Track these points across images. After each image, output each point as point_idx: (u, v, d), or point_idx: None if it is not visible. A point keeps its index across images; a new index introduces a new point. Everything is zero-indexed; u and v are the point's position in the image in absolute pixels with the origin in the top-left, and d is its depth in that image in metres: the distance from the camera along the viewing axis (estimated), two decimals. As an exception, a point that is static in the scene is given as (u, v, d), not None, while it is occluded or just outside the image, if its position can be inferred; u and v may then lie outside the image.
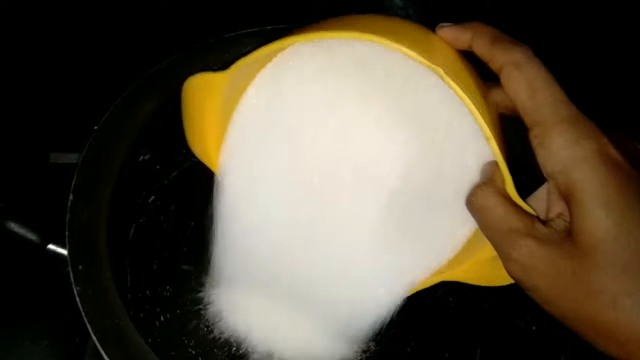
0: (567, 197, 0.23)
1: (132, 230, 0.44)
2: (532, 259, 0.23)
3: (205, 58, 0.43)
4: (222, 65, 0.43)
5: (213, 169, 0.32)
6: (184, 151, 0.48)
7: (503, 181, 0.25)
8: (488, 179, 0.26)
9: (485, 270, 0.28)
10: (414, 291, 0.32)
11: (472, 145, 0.27)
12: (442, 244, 0.30)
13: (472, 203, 0.25)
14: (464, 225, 0.29)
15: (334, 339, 0.37)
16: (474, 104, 0.23)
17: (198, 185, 0.48)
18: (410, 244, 0.30)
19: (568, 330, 0.33)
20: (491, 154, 0.25)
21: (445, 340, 0.44)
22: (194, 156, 0.48)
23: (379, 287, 0.32)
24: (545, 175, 0.24)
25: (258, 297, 0.37)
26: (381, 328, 0.33)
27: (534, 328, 0.34)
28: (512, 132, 0.26)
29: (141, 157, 0.42)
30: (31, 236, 0.32)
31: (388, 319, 0.32)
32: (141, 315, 0.41)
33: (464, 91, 0.23)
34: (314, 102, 0.28)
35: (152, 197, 0.46)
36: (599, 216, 0.22)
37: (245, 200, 0.31)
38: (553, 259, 0.23)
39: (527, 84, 0.23)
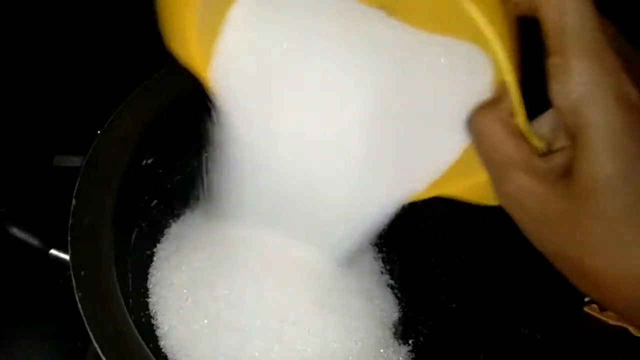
0: (574, 134, 0.21)
1: (134, 235, 0.43)
2: (522, 193, 0.22)
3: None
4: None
5: (196, 70, 0.30)
6: (186, 155, 0.48)
7: (510, 106, 0.23)
8: (493, 101, 0.24)
9: (481, 190, 0.27)
10: (412, 200, 0.32)
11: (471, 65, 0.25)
12: (434, 157, 0.29)
13: (470, 125, 0.24)
14: (457, 141, 0.28)
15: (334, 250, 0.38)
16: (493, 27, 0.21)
17: (200, 189, 0.49)
18: (403, 157, 0.30)
19: (570, 339, 0.33)
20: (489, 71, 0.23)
21: (448, 346, 0.44)
22: (196, 160, 0.48)
23: (377, 197, 0.32)
24: (554, 107, 0.22)
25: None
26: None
27: (538, 336, 0.34)
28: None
29: (144, 162, 0.42)
30: (33, 241, 0.32)
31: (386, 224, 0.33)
32: (143, 320, 0.41)
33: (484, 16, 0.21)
34: (296, 35, 0.28)
35: (155, 201, 0.46)
36: (602, 161, 0.21)
37: (252, 131, 0.31)
38: (544, 197, 0.22)
39: (558, 2, 0.21)
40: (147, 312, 0.42)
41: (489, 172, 0.24)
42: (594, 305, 0.36)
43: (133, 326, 0.31)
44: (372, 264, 0.47)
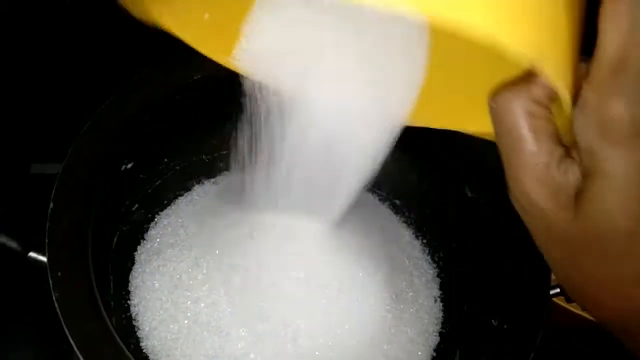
0: (587, 171, 0.20)
1: (115, 239, 0.44)
2: (529, 202, 0.21)
3: (183, 68, 0.44)
4: (202, 75, 0.45)
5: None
6: (166, 160, 0.49)
7: (542, 94, 0.20)
8: (523, 83, 0.20)
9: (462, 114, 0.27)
10: (403, 125, 0.33)
11: None
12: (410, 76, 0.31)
13: (493, 107, 0.21)
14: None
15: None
16: None
17: (180, 193, 0.49)
18: (383, 79, 0.32)
19: (536, 329, 0.34)
20: None
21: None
22: (177, 165, 0.49)
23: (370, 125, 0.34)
24: (575, 134, 0.20)
25: None
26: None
27: (505, 326, 0.35)
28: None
29: (123, 167, 0.43)
30: (12, 244, 0.33)
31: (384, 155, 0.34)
32: (124, 322, 0.42)
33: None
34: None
35: (136, 206, 0.46)
36: (612, 215, 0.19)
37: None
38: (551, 214, 0.20)
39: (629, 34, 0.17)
40: (128, 314, 0.42)
41: (503, 158, 0.22)
42: (562, 297, 0.37)
43: (110, 326, 0.31)
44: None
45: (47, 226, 0.33)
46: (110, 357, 0.30)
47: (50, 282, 0.31)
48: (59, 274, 0.31)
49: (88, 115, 0.40)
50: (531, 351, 0.32)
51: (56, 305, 0.30)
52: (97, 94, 0.42)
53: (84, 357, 0.29)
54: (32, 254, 0.33)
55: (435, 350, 0.44)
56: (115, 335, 0.31)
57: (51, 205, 0.34)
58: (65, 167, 0.36)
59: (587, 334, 0.64)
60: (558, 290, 0.37)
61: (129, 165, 0.44)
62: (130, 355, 0.31)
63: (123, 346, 0.31)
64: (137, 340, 0.41)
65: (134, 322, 0.42)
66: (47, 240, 0.33)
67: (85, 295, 0.32)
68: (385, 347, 0.42)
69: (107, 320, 0.31)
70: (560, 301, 0.49)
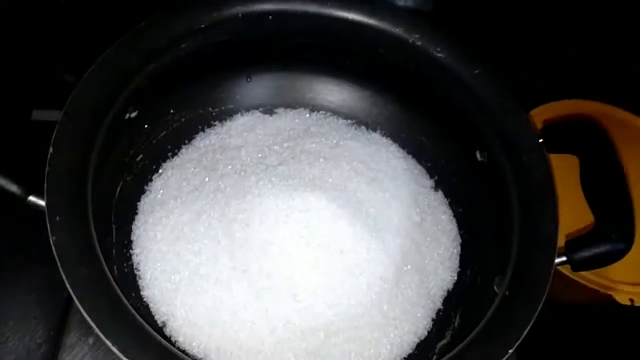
0: None
1: (118, 188, 0.44)
2: None
3: (190, 15, 0.42)
4: (209, 23, 0.43)
5: None
6: (172, 111, 0.48)
7: None
8: None
9: None
10: None
11: None
12: None
13: None
14: None
15: None
16: None
17: (185, 145, 0.49)
18: None
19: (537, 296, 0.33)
20: None
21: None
22: (183, 116, 0.49)
23: None
24: None
25: None
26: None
27: (506, 293, 0.34)
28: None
29: (127, 115, 0.42)
30: (12, 187, 0.33)
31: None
32: (126, 270, 0.42)
33: None
34: None
35: (140, 156, 0.46)
36: None
37: None
38: None
39: None
40: (130, 263, 0.42)
41: None
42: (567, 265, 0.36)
43: (107, 271, 0.31)
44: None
45: (46, 171, 0.33)
46: (105, 301, 0.30)
47: (48, 226, 0.31)
48: (57, 218, 0.31)
49: (91, 62, 0.39)
50: (529, 321, 0.32)
51: (53, 249, 0.30)
52: (100, 41, 0.41)
53: (79, 301, 0.29)
54: (31, 198, 0.33)
55: (435, 313, 0.44)
56: (112, 280, 0.31)
57: (51, 150, 0.34)
58: (66, 112, 0.35)
59: (590, 311, 0.64)
60: (564, 258, 0.36)
61: (133, 115, 0.43)
62: (125, 300, 0.31)
63: (118, 291, 0.31)
64: (138, 289, 0.41)
65: (135, 272, 0.42)
66: (46, 185, 0.32)
67: (82, 240, 0.31)
68: (385, 307, 0.42)
69: (104, 265, 0.31)
70: (565, 270, 0.48)
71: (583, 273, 0.56)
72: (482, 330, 0.33)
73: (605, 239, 0.36)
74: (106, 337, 0.28)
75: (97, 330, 0.28)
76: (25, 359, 0.44)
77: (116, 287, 0.31)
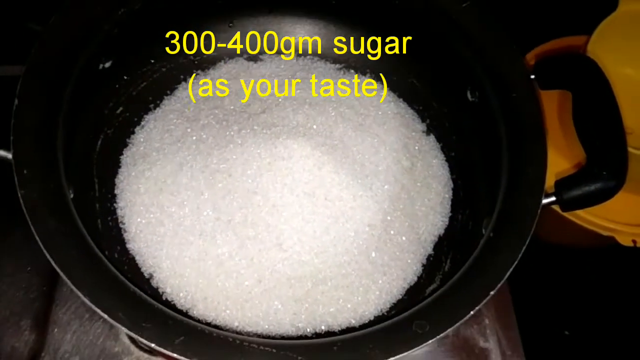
0: None
1: (99, 142, 0.43)
2: None
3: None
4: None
5: None
6: (152, 61, 0.46)
7: None
8: None
9: None
10: None
11: None
12: None
13: None
14: None
15: None
16: None
17: (167, 95, 0.47)
18: None
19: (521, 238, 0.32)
20: None
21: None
22: (163, 66, 0.47)
23: None
24: None
25: None
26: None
27: (491, 235, 0.33)
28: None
29: (101, 65, 0.41)
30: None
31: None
32: (110, 224, 0.42)
33: None
34: None
35: (121, 108, 0.45)
36: None
37: None
38: None
39: None
40: (114, 217, 0.42)
41: None
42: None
43: (78, 221, 0.31)
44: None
45: (11, 123, 0.32)
46: (76, 253, 0.29)
47: (16, 179, 0.30)
48: (25, 171, 0.31)
49: (56, 8, 0.38)
50: (512, 262, 0.31)
51: (22, 203, 0.30)
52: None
53: (50, 256, 0.29)
54: (0, 152, 0.32)
55: (426, 259, 0.43)
56: (84, 231, 0.31)
57: (16, 101, 0.32)
58: (31, 62, 0.34)
59: (592, 253, 0.63)
60: (553, 198, 0.35)
61: (107, 65, 0.41)
62: (98, 251, 0.31)
63: (90, 241, 0.30)
64: (123, 242, 0.41)
65: (120, 225, 0.42)
66: (12, 138, 0.31)
67: (52, 193, 0.31)
68: (373, 254, 0.41)
69: (76, 217, 0.31)
70: (567, 214, 0.47)
71: (585, 215, 0.55)
72: (464, 274, 0.32)
73: (597, 177, 0.34)
74: (78, 288, 0.28)
75: (68, 283, 0.28)
76: (19, 313, 0.44)
77: (88, 238, 0.30)
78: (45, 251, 0.29)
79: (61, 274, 0.28)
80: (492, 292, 0.30)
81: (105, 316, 0.27)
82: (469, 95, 0.43)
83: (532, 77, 0.39)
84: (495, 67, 0.40)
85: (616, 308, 0.62)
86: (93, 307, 0.28)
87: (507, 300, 0.47)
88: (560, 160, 0.52)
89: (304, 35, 0.51)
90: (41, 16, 0.36)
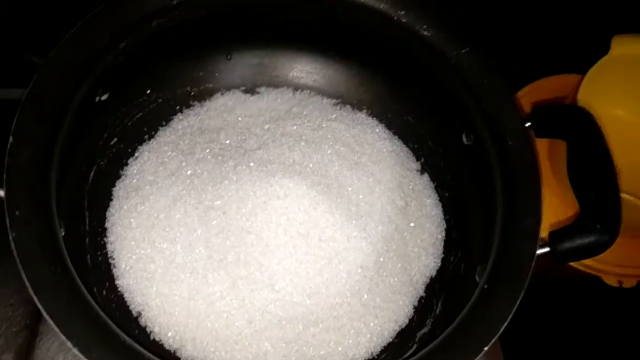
0: None
1: (92, 173, 0.42)
2: None
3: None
4: (182, 10, 0.41)
5: None
6: (148, 91, 0.46)
7: None
8: None
9: None
10: None
11: None
12: None
13: None
14: None
15: None
16: None
17: (162, 126, 0.47)
18: None
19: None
20: None
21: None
22: (159, 97, 0.47)
23: None
24: None
25: None
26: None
27: (485, 287, 0.33)
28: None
29: (97, 98, 0.41)
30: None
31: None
32: (100, 259, 0.41)
33: None
34: None
35: (115, 139, 0.44)
36: None
37: None
38: None
39: None
40: (104, 252, 0.41)
41: None
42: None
43: (70, 267, 0.30)
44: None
45: (5, 161, 0.31)
46: (66, 301, 0.29)
47: (8, 221, 0.30)
48: (17, 212, 0.30)
49: (58, 38, 0.37)
50: (507, 317, 0.31)
51: (12, 245, 0.29)
52: (68, 16, 0.39)
53: (39, 301, 0.28)
54: (-7, 189, 0.31)
55: (417, 301, 0.43)
56: (75, 276, 0.30)
57: (11, 139, 0.32)
58: (28, 97, 0.34)
59: (575, 283, 0.63)
60: (547, 249, 0.35)
61: (104, 97, 0.41)
62: (89, 297, 0.30)
63: (82, 288, 0.30)
64: (112, 278, 0.40)
65: (109, 260, 0.41)
66: (5, 177, 0.31)
67: (43, 236, 0.30)
68: (365, 296, 0.41)
69: (67, 260, 0.30)
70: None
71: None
72: (458, 327, 0.32)
73: (590, 230, 0.34)
74: (67, 337, 0.27)
75: (57, 331, 0.27)
76: (2, 347, 0.43)
77: (80, 284, 0.30)
78: (35, 299, 0.28)
79: (51, 323, 0.27)
80: (485, 348, 0.30)
81: (95, 367, 0.27)
82: (464, 139, 0.43)
83: (528, 124, 0.39)
84: (492, 113, 0.40)
85: (603, 344, 0.62)
86: (81, 356, 0.27)
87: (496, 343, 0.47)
88: (556, 208, 0.53)
89: (300, 69, 0.51)
90: (41, 48, 0.36)
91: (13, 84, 0.40)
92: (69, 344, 0.27)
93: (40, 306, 0.28)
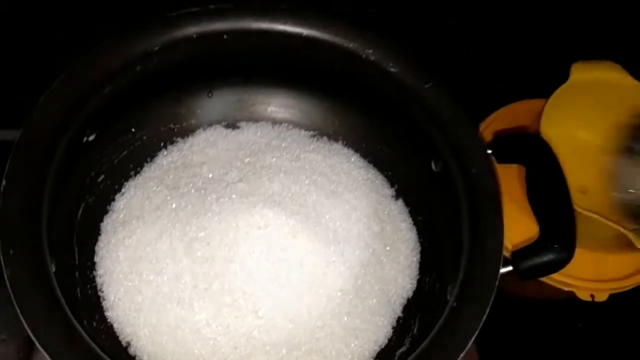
0: None
1: (80, 210, 0.44)
2: None
3: (143, 38, 0.43)
4: (162, 45, 0.44)
5: None
6: (133, 130, 0.49)
7: None
8: None
9: None
10: None
11: None
12: None
13: None
14: None
15: None
16: None
17: (147, 162, 0.49)
18: None
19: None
20: None
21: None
22: (144, 135, 0.49)
23: None
24: None
25: None
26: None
27: (454, 304, 0.36)
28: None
29: (85, 139, 0.43)
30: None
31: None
32: (89, 292, 0.43)
33: None
34: None
35: (102, 177, 0.46)
36: None
37: None
38: None
39: None
40: (93, 285, 0.43)
41: None
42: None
43: (61, 300, 0.32)
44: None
45: (-1, 204, 0.33)
46: (59, 332, 0.30)
47: (2, 260, 0.31)
48: (11, 251, 0.32)
49: (46, 82, 0.40)
50: (474, 332, 0.33)
51: (7, 283, 0.31)
52: (56, 62, 0.42)
53: (33, 334, 0.30)
54: (-13, 230, 0.33)
55: (396, 321, 0.45)
56: (67, 311, 0.32)
57: (4, 182, 0.34)
58: (19, 143, 0.36)
59: (552, 306, 0.66)
60: (510, 268, 0.38)
61: (91, 138, 0.43)
62: (80, 330, 0.32)
63: (75, 323, 0.32)
64: (102, 310, 0.42)
65: (99, 293, 0.43)
66: (-1, 218, 0.33)
67: (36, 272, 0.32)
68: (345, 318, 0.43)
69: (60, 297, 0.32)
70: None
71: (546, 271, 0.58)
72: (430, 343, 0.34)
73: (549, 249, 0.37)
74: (61, 368, 0.29)
75: (51, 363, 0.29)
76: (-6, 382, 0.44)
77: (71, 317, 0.32)
78: (30, 332, 0.30)
79: (45, 355, 0.29)
80: (456, 362, 0.32)
81: (88, 397, 0.28)
82: (433, 166, 0.46)
83: (490, 152, 0.42)
84: (455, 142, 0.43)
85: (577, 354, 0.64)
86: (76, 387, 0.29)
87: (472, 348, 0.49)
88: (519, 228, 0.55)
89: (278, 104, 0.54)
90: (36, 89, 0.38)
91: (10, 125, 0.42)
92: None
93: (34, 338, 0.30)
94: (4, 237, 0.32)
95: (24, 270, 0.32)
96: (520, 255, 0.38)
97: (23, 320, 0.30)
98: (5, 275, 0.31)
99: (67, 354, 0.30)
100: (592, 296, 0.59)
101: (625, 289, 0.59)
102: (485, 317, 0.35)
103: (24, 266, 0.32)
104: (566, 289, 0.59)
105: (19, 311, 0.30)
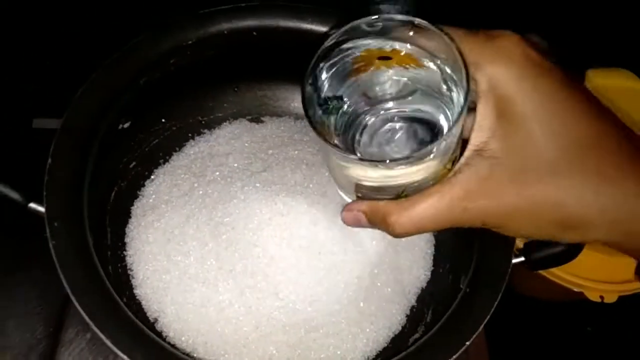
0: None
1: (113, 193, 0.47)
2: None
3: (178, 33, 0.45)
4: (196, 40, 0.46)
5: None
6: (163, 120, 0.51)
7: None
8: None
9: None
10: None
11: None
12: None
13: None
14: None
15: None
16: None
17: (176, 152, 0.52)
18: None
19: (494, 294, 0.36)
20: None
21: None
22: (173, 125, 0.52)
23: None
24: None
25: None
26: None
27: (467, 290, 0.38)
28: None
29: (120, 126, 0.45)
30: (14, 195, 0.36)
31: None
32: (119, 270, 0.45)
33: None
34: None
35: (134, 163, 0.49)
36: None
37: None
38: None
39: None
40: (123, 264, 0.46)
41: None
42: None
43: (101, 272, 0.34)
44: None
45: (45, 180, 0.36)
46: (99, 300, 0.33)
47: (48, 231, 0.34)
48: (56, 224, 0.34)
49: (87, 75, 0.43)
50: (486, 316, 0.35)
51: (52, 253, 0.33)
52: (96, 56, 0.44)
53: (76, 300, 0.32)
54: (32, 205, 0.36)
55: (409, 309, 0.47)
56: (106, 280, 0.34)
57: (49, 160, 0.37)
58: (63, 126, 0.39)
59: (563, 306, 0.67)
60: (522, 258, 0.39)
61: (126, 125, 0.46)
62: (117, 298, 0.34)
63: (112, 290, 0.34)
64: (131, 287, 0.44)
65: (128, 272, 0.45)
66: (45, 193, 0.35)
67: (79, 244, 0.35)
68: (361, 304, 0.45)
69: (99, 266, 0.34)
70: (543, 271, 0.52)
71: (557, 272, 0.60)
72: (443, 326, 0.36)
73: (558, 242, 0.39)
74: (101, 331, 0.31)
75: (92, 326, 0.31)
76: (26, 354, 0.47)
77: (110, 286, 0.34)
78: (73, 298, 0.32)
79: (86, 318, 0.31)
80: (467, 343, 0.34)
81: (125, 357, 0.30)
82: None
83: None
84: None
85: (585, 352, 0.65)
86: (114, 348, 0.31)
87: (483, 347, 0.51)
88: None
89: (300, 100, 0.56)
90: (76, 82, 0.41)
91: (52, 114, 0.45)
92: (103, 337, 0.31)
93: (77, 305, 0.32)
94: (49, 211, 0.35)
95: (67, 242, 0.34)
96: (531, 246, 0.40)
97: (66, 286, 0.32)
98: (50, 246, 0.34)
99: (111, 322, 0.32)
100: (601, 297, 0.61)
101: (635, 292, 0.61)
102: (496, 303, 0.36)
103: (67, 238, 0.34)
104: (576, 289, 0.60)
105: (63, 279, 0.33)
